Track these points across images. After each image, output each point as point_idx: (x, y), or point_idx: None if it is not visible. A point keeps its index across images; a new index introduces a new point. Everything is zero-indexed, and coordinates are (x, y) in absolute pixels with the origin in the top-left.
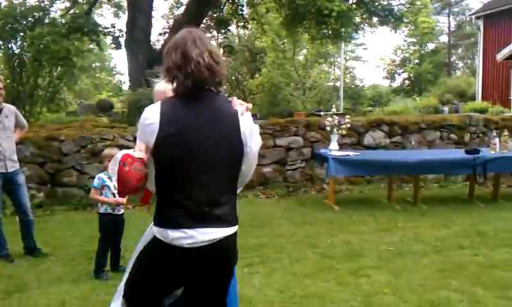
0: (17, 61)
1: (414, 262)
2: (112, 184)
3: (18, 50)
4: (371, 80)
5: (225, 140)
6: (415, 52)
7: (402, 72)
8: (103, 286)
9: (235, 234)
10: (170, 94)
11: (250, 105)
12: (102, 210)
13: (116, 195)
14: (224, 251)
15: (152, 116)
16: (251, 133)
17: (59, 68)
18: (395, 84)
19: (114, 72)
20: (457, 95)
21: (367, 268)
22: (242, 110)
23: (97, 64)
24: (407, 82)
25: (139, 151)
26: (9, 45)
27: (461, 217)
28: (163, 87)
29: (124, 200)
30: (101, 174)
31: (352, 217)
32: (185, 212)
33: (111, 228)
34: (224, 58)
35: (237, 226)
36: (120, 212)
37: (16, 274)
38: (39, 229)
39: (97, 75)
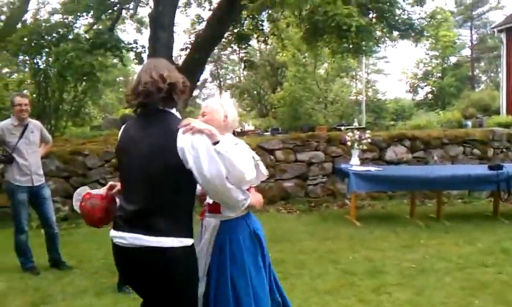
0: (43, 76)
1: (436, 280)
2: None
3: (44, 65)
4: (393, 93)
5: (160, 154)
6: (437, 66)
7: (425, 86)
8: (126, 299)
9: (174, 245)
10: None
11: (197, 126)
12: None
13: None
14: (155, 258)
15: (120, 133)
16: (197, 152)
17: (84, 83)
18: (418, 98)
19: None
20: (481, 109)
21: (389, 286)
22: (185, 129)
23: (121, 78)
24: (430, 95)
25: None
26: (35, 61)
27: (485, 233)
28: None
29: None
30: None
31: (374, 233)
32: (123, 217)
33: None
34: (245, 72)
35: (180, 238)
36: None
37: (41, 287)
38: (64, 242)
39: (121, 89)
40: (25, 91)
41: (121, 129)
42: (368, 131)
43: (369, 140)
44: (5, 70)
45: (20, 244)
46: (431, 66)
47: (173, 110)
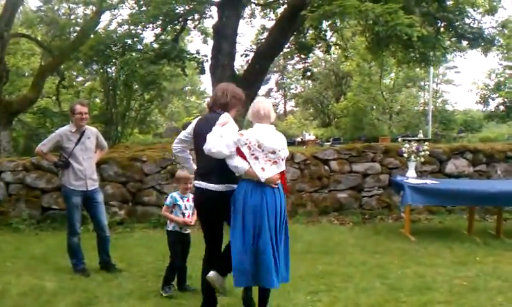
0: (111, 84)
1: (488, 299)
2: (183, 204)
3: (113, 74)
4: (464, 104)
5: None
6: (510, 76)
7: (497, 97)
8: (167, 303)
9: (221, 189)
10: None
11: (227, 120)
12: (170, 227)
13: (185, 215)
14: (211, 193)
15: (193, 121)
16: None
17: (151, 92)
18: (489, 109)
19: (205, 95)
20: None
21: (436, 303)
22: (219, 123)
23: (189, 87)
24: (502, 107)
25: None
26: (106, 70)
27: None
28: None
29: (192, 221)
30: (174, 193)
31: (427, 248)
32: (198, 172)
33: (179, 246)
34: (310, 82)
35: (224, 184)
36: (187, 231)
37: (89, 288)
38: (117, 245)
39: (187, 98)
40: (96, 99)
41: (195, 121)
42: (426, 143)
43: (427, 152)
44: (80, 79)
45: (72, 246)
46: (504, 76)
47: (224, 113)
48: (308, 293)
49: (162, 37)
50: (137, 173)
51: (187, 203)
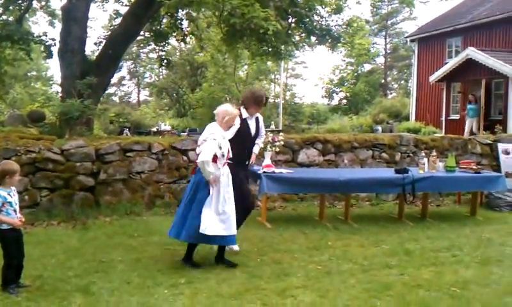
0: None
1: (341, 281)
2: (13, 200)
3: None
4: (311, 98)
5: None
6: (352, 72)
7: (340, 91)
8: (22, 304)
9: None
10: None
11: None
12: (4, 226)
13: (17, 211)
14: None
15: None
16: None
17: None
18: (333, 103)
19: (52, 82)
20: (392, 115)
21: (294, 288)
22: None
23: (33, 73)
24: (344, 101)
25: None
26: None
27: (390, 235)
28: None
29: (23, 218)
30: (0, 191)
31: (283, 235)
32: None
33: (15, 244)
34: (164, 71)
35: None
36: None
37: None
38: None
39: (32, 84)
40: None
41: None
42: (281, 133)
43: (282, 142)
44: None
45: None
46: (347, 72)
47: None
48: (169, 286)
49: (4, 17)
50: None
51: (14, 198)
